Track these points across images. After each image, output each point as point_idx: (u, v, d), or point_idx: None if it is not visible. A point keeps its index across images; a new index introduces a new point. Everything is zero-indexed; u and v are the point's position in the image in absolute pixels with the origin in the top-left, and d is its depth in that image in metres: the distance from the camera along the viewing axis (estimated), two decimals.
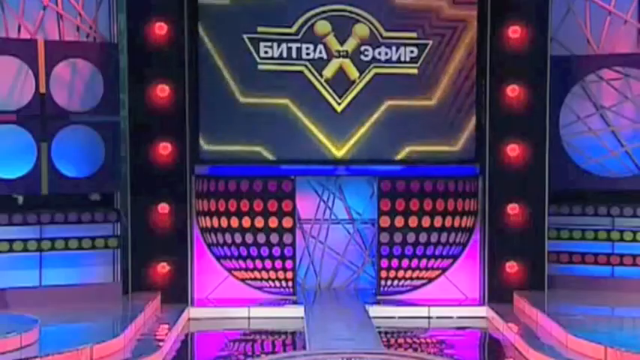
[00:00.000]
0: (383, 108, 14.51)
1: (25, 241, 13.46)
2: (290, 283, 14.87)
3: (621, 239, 14.61)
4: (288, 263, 14.79)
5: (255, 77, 14.42)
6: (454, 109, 14.58)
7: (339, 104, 14.56)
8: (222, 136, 14.47)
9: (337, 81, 14.52)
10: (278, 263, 14.78)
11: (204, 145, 14.39)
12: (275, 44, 14.47)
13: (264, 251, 14.70)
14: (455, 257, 14.92)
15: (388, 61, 14.54)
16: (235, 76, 14.40)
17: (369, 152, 14.61)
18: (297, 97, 14.46)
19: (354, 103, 14.54)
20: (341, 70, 14.53)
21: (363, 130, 14.56)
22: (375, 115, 14.54)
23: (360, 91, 14.53)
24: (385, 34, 14.51)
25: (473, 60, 14.51)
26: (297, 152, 14.54)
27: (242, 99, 14.43)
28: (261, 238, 14.66)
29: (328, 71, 14.52)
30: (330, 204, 15.66)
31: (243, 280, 14.89)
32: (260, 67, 14.41)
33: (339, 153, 14.61)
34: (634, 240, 14.53)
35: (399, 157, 14.57)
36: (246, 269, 14.82)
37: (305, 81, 14.47)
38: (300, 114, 14.47)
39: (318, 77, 14.49)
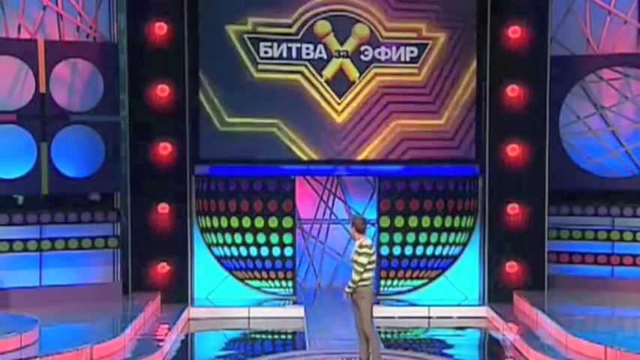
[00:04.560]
0: (383, 105, 14.56)
1: (25, 241, 13.46)
2: (290, 283, 14.86)
3: (621, 239, 14.62)
4: (288, 263, 14.78)
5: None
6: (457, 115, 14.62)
7: (339, 104, 14.55)
8: None
9: (337, 81, 14.53)
10: (278, 263, 14.77)
11: None
12: (275, 44, 14.47)
13: (264, 251, 14.70)
14: (455, 257, 14.92)
15: (388, 61, 14.53)
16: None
17: (369, 152, 14.65)
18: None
19: (353, 103, 14.55)
20: (341, 70, 14.53)
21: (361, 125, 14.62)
22: (376, 114, 14.59)
23: (360, 91, 14.54)
24: (385, 34, 14.51)
25: (473, 60, 14.53)
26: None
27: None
28: (261, 238, 14.66)
29: (328, 71, 14.51)
30: (330, 204, 15.67)
31: (243, 280, 14.89)
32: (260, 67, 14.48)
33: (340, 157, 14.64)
34: (634, 240, 14.54)
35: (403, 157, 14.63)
36: (246, 269, 14.81)
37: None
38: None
39: (318, 77, 14.49)
